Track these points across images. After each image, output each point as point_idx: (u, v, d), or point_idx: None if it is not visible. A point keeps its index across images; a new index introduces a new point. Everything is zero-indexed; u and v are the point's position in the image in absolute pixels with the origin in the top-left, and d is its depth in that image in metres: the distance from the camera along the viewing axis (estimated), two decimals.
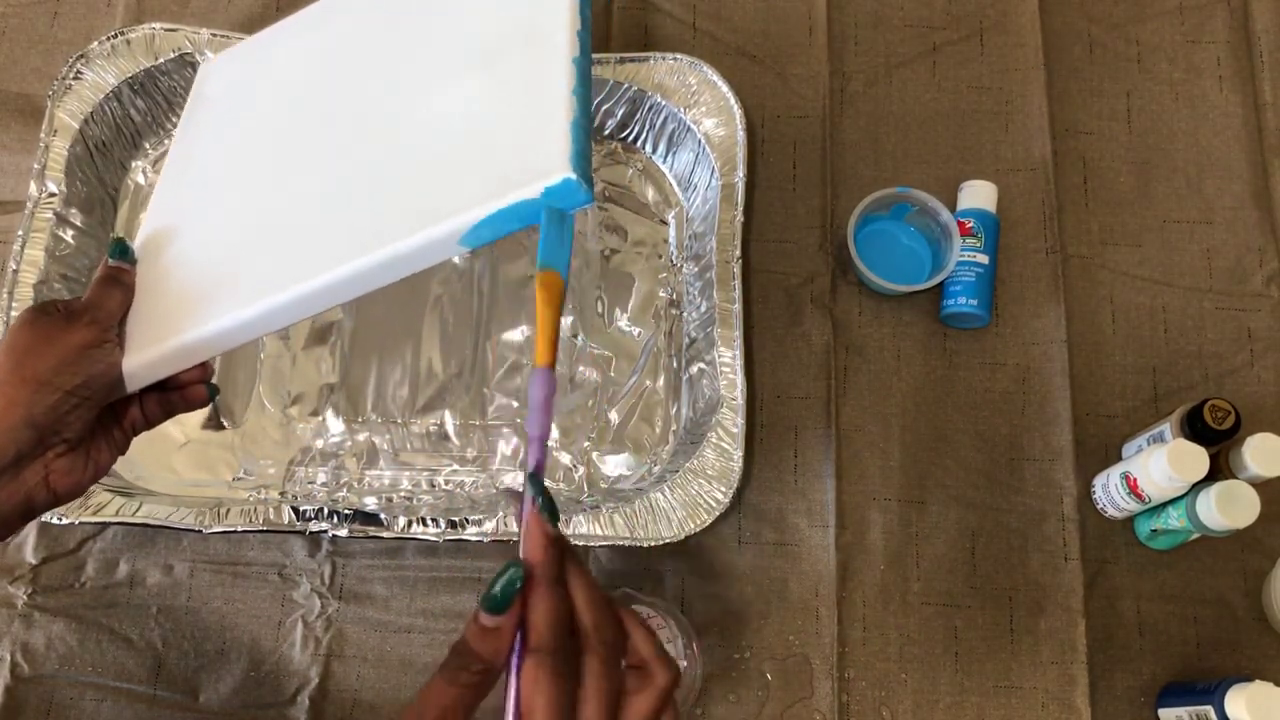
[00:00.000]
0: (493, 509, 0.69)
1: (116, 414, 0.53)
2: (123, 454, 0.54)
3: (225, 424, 0.74)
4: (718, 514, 0.67)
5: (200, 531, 0.67)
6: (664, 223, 0.80)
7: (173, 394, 0.55)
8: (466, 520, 0.67)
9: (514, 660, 0.39)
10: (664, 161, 0.80)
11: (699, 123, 0.76)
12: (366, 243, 0.49)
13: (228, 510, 0.68)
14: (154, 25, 0.77)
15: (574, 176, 0.46)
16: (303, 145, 0.57)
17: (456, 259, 0.78)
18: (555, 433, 0.74)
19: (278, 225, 0.54)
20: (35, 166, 0.74)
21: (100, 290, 0.52)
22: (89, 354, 0.49)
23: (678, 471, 0.69)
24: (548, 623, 0.39)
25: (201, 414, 0.74)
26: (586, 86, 0.51)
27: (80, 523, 0.68)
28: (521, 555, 0.41)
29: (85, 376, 0.48)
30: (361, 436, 0.74)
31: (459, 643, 0.39)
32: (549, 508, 0.41)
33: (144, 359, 0.51)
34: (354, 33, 0.61)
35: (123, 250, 0.54)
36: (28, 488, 0.48)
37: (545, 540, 0.40)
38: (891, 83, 0.84)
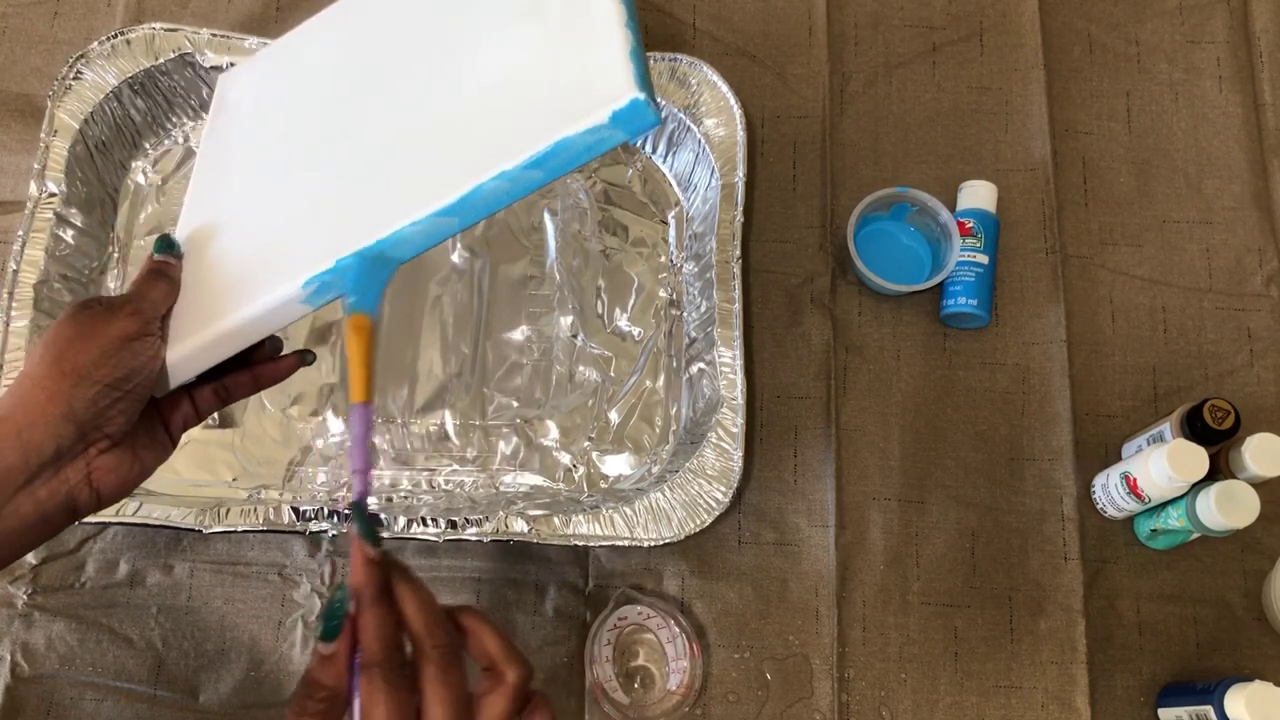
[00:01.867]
0: (493, 509, 0.69)
1: (163, 411, 0.52)
2: (169, 452, 0.52)
3: (225, 424, 0.74)
4: (718, 514, 0.67)
5: (200, 531, 0.67)
6: (664, 223, 0.80)
7: (241, 375, 0.54)
8: (466, 520, 0.67)
9: (354, 682, 0.41)
10: (664, 161, 0.80)
11: (699, 123, 0.76)
12: (427, 195, 0.47)
13: (228, 510, 0.67)
14: (154, 25, 0.77)
15: (642, 96, 0.45)
16: (343, 125, 0.55)
17: (456, 258, 0.78)
18: (555, 432, 0.74)
19: (325, 201, 0.52)
20: (35, 166, 0.74)
21: (144, 283, 0.50)
22: (130, 346, 0.47)
23: (678, 471, 0.69)
24: (375, 637, 0.41)
25: None
26: (636, 21, 0.50)
27: (80, 523, 0.68)
28: (348, 581, 0.42)
29: (126, 369, 0.47)
30: None
31: (305, 675, 0.41)
32: (369, 533, 0.42)
33: (186, 349, 0.49)
34: (385, 20, 0.59)
35: (168, 244, 0.52)
36: (70, 486, 0.47)
37: (365, 563, 0.42)
38: (891, 83, 0.84)
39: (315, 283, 0.48)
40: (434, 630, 0.41)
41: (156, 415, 0.52)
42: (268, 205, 0.54)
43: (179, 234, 0.55)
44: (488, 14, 0.54)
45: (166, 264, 0.52)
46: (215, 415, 0.74)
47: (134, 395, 0.48)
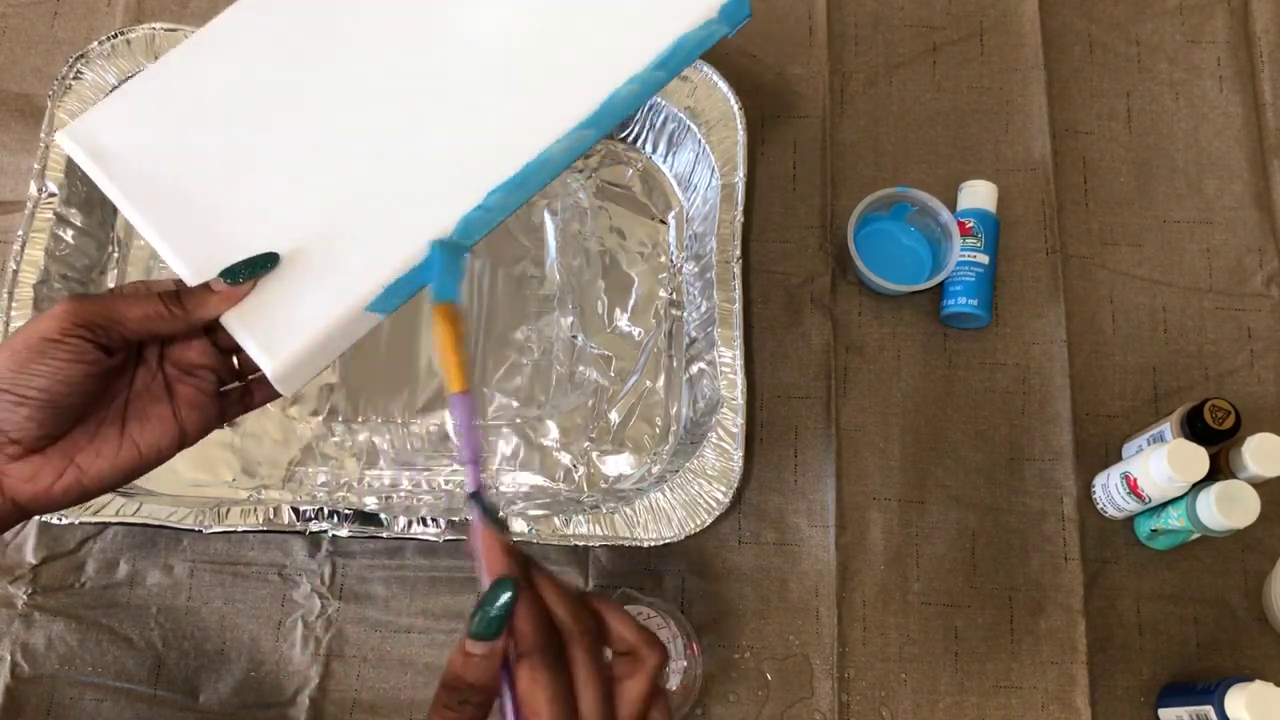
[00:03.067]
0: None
1: (177, 407, 0.47)
2: (158, 454, 0.47)
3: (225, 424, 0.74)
4: (718, 514, 0.67)
5: (200, 531, 0.67)
6: (664, 223, 0.80)
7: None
8: (467, 520, 0.67)
9: (503, 672, 0.40)
10: (664, 161, 0.80)
11: (699, 123, 0.76)
12: (561, 114, 0.47)
13: (228, 510, 0.68)
14: (154, 25, 0.77)
15: None
16: (386, 80, 0.50)
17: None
18: (555, 432, 0.74)
19: (430, 152, 0.49)
20: (35, 166, 0.74)
21: (131, 297, 0.44)
22: (42, 347, 0.42)
23: (678, 471, 0.69)
24: (531, 625, 0.40)
25: None
26: None
27: (80, 523, 0.68)
28: (487, 572, 0.41)
29: (29, 374, 0.42)
30: (361, 436, 0.74)
31: (448, 677, 0.39)
32: (496, 520, 0.41)
33: (310, 338, 0.44)
34: None
35: (250, 268, 0.45)
36: None
37: (505, 551, 0.41)
38: (891, 83, 0.84)
39: (464, 223, 0.47)
40: (579, 615, 0.41)
41: (143, 415, 0.47)
42: (349, 175, 0.49)
43: (177, 266, 0.47)
44: None
45: (193, 293, 0.45)
46: None
47: (37, 403, 0.43)
